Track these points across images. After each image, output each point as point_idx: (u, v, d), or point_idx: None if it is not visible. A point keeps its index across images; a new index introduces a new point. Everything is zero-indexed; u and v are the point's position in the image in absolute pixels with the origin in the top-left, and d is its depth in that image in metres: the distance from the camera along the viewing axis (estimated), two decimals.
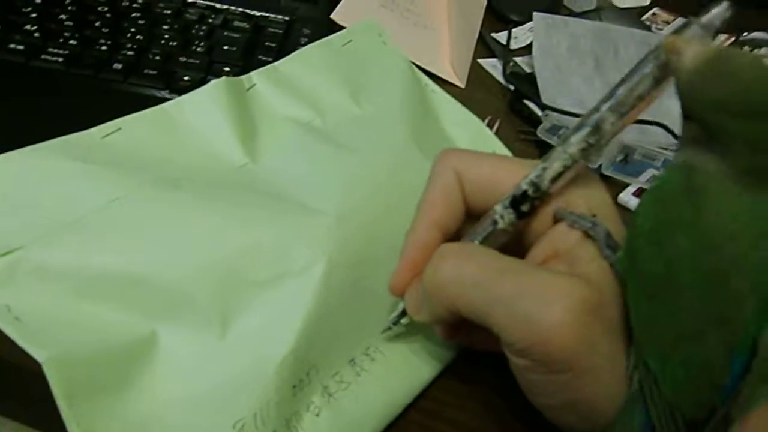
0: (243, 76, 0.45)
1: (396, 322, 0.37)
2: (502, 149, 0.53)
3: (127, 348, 0.33)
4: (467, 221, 0.36)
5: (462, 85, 0.68)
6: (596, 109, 0.31)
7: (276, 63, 0.48)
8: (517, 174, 0.33)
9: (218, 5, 0.60)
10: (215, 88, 0.43)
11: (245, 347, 0.33)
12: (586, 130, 0.31)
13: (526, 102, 0.66)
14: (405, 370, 0.37)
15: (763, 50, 0.96)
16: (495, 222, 0.33)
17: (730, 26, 1.03)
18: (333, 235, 0.37)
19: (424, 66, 0.66)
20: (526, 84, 0.70)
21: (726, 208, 0.25)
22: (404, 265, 0.35)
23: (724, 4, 0.29)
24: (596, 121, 0.31)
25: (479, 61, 0.75)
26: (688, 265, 0.26)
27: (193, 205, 0.37)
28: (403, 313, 0.36)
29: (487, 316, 0.30)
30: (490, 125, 0.61)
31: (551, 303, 0.28)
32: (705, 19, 0.29)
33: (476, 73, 0.72)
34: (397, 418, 0.36)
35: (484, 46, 0.78)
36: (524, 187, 0.33)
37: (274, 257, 0.35)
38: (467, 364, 0.39)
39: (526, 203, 0.33)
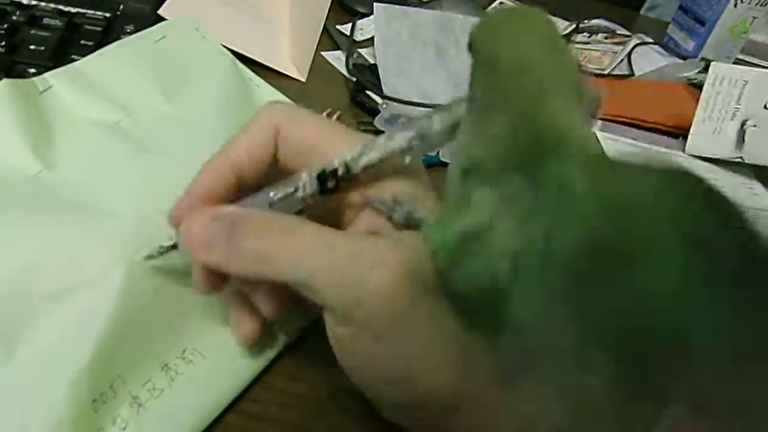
0: (36, 78, 0.42)
1: (162, 253, 0.34)
2: None
3: None
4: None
5: (303, 79, 0.68)
6: (429, 116, 0.31)
7: (77, 62, 0.45)
8: (338, 144, 0.32)
9: (24, 1, 0.56)
10: None
11: (35, 367, 0.31)
12: (411, 133, 0.31)
13: (369, 93, 0.66)
14: (225, 370, 0.36)
15: (600, 36, 1.01)
16: (297, 188, 0.32)
17: (572, 14, 1.07)
18: (133, 239, 0.35)
19: (261, 60, 0.65)
20: (368, 75, 0.70)
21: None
22: (191, 194, 0.33)
23: None
24: (424, 128, 0.31)
25: (323, 53, 0.74)
26: None
27: None
28: (173, 247, 0.34)
29: (313, 281, 0.28)
30: (329, 117, 0.61)
31: (378, 265, 0.28)
32: None
33: (319, 66, 0.72)
34: (217, 421, 0.35)
35: (329, 39, 0.78)
36: (335, 165, 0.32)
37: (64, 268, 0.33)
38: (291, 361, 0.38)
39: (332, 180, 0.32)
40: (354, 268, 0.28)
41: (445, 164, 0.58)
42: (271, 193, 0.33)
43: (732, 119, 0.71)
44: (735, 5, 0.96)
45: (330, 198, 0.33)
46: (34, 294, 0.33)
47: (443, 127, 0.31)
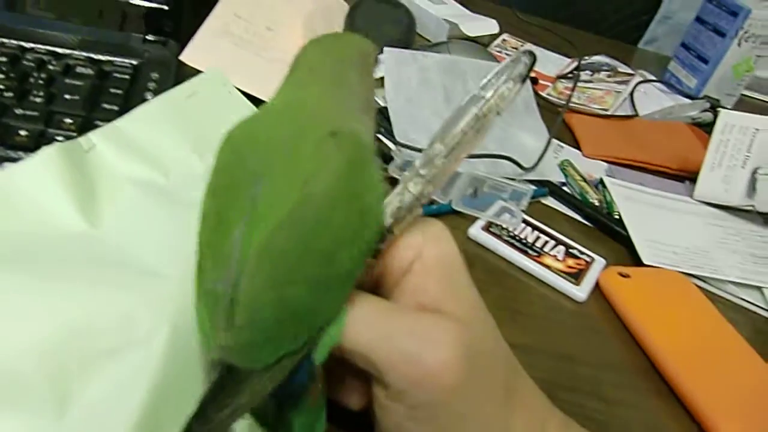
0: (81, 138, 0.44)
1: None
2: None
3: None
4: None
5: None
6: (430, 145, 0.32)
7: (117, 121, 0.46)
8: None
9: (60, 50, 0.58)
10: (49, 154, 0.41)
11: (86, 425, 0.32)
12: (418, 163, 0.32)
13: (381, 138, 0.67)
14: (261, 427, 0.37)
15: (602, 74, 1.03)
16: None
17: (572, 50, 1.09)
18: (175, 299, 0.36)
19: None
20: (379, 118, 0.71)
21: None
22: None
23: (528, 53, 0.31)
24: (428, 155, 0.32)
25: None
26: None
27: (22, 281, 0.35)
28: None
29: (371, 353, 0.29)
30: None
31: (438, 343, 0.28)
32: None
33: None
34: None
35: None
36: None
37: (113, 328, 0.34)
38: None
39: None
40: (414, 345, 0.28)
41: (456, 212, 0.59)
42: None
43: (743, 167, 0.71)
44: (739, 44, 0.97)
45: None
46: (87, 352, 0.34)
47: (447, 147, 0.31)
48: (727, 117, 0.74)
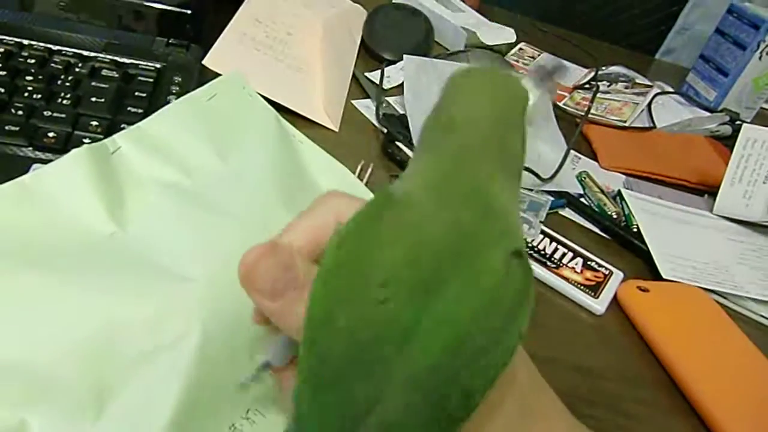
0: (107, 140, 0.44)
1: (256, 377, 0.32)
2: (368, 196, 0.54)
3: None
4: None
5: (335, 129, 0.68)
6: None
7: (141, 123, 0.47)
8: None
9: (86, 53, 0.58)
10: (77, 156, 0.41)
11: (121, 426, 0.33)
12: None
13: (400, 145, 0.68)
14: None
15: (620, 85, 1.03)
16: None
17: (588, 59, 1.09)
18: (204, 302, 0.37)
19: (297, 110, 0.66)
20: (398, 126, 0.71)
21: None
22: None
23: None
24: None
25: (353, 102, 0.75)
26: None
27: (56, 283, 0.36)
28: (266, 366, 0.32)
29: None
30: (363, 171, 0.62)
31: None
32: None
33: (350, 114, 0.73)
34: None
35: (358, 87, 0.79)
36: None
37: (146, 331, 0.35)
38: None
39: None
40: None
41: None
42: None
43: (764, 183, 0.71)
44: (760, 58, 0.96)
45: None
46: (121, 355, 0.34)
47: None
48: (749, 131, 0.73)
